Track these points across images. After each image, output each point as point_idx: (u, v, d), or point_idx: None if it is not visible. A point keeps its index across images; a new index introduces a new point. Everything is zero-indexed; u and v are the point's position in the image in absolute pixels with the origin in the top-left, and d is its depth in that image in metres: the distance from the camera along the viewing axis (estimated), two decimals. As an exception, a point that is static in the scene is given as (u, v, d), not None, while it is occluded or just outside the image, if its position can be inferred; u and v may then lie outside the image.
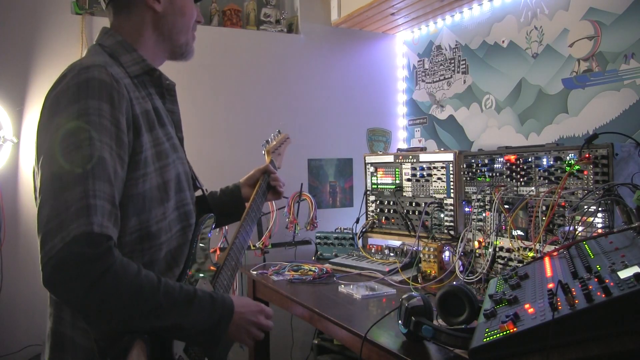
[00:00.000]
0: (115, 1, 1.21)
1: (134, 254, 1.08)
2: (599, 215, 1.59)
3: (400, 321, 1.31)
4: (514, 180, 1.90)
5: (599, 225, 1.59)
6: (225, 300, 1.12)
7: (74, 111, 0.99)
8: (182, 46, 1.27)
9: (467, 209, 2.11)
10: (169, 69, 1.36)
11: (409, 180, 2.44)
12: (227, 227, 2.45)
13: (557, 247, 1.44)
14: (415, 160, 2.41)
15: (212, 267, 1.29)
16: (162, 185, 1.13)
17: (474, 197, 2.04)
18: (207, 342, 1.08)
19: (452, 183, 2.23)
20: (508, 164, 1.93)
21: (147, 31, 1.21)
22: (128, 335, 1.00)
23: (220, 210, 1.51)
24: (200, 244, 1.27)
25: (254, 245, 2.63)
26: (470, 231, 2.00)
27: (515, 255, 1.81)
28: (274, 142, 1.90)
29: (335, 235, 2.58)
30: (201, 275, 1.25)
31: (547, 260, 1.33)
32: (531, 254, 1.72)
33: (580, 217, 1.63)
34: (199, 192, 1.42)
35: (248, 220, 1.51)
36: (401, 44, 3.32)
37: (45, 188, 0.96)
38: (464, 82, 2.81)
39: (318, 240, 2.61)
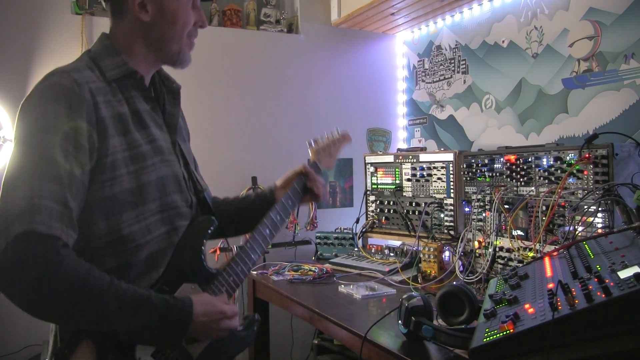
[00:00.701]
0: (110, 5, 1.21)
1: (107, 257, 1.09)
2: (599, 215, 1.59)
3: (400, 321, 1.31)
4: (514, 180, 1.90)
5: (599, 225, 1.59)
6: (183, 306, 1.08)
7: (32, 116, 1.04)
8: (174, 55, 1.24)
9: (467, 209, 2.11)
10: (168, 68, 1.36)
11: (409, 180, 2.44)
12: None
13: (557, 247, 1.44)
14: (415, 160, 2.41)
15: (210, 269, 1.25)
16: (137, 189, 1.12)
17: (474, 197, 2.04)
18: (163, 346, 1.09)
19: (452, 183, 2.23)
20: (508, 164, 1.93)
21: (137, 39, 1.20)
22: (76, 334, 1.02)
23: (251, 215, 1.44)
24: (192, 248, 1.22)
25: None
26: (470, 231, 2.00)
27: (515, 255, 1.81)
28: (325, 141, 1.72)
29: (335, 235, 2.59)
30: (193, 280, 1.21)
31: (547, 260, 1.33)
32: (531, 254, 1.72)
33: (580, 217, 1.63)
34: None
35: (267, 222, 1.38)
36: (401, 44, 3.31)
37: (1, 187, 1.00)
38: (464, 82, 2.81)
39: (318, 240, 2.61)
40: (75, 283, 0.96)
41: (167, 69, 1.33)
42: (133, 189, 1.11)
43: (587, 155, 1.65)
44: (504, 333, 1.02)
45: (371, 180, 2.65)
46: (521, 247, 1.78)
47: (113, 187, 1.09)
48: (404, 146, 3.28)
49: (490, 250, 1.89)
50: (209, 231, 1.26)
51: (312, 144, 1.69)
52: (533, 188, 1.83)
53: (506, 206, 1.89)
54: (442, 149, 2.85)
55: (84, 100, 1.06)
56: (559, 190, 1.68)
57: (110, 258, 1.10)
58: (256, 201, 1.53)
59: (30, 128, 1.03)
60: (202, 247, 1.23)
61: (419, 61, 3.17)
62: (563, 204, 1.72)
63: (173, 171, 1.22)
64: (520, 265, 1.63)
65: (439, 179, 2.29)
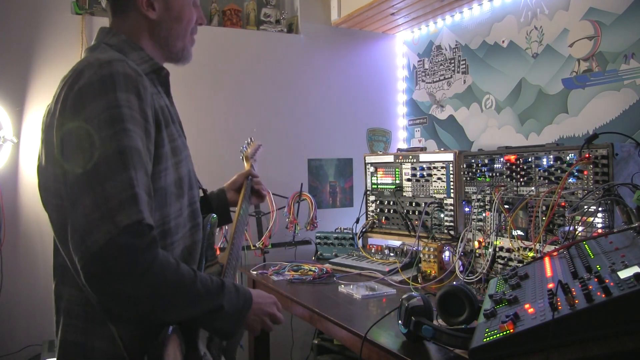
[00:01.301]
0: (113, 3, 1.20)
1: None
2: (599, 215, 1.59)
3: (400, 321, 1.31)
4: (514, 180, 1.90)
5: (599, 225, 1.59)
6: (245, 290, 1.16)
7: (104, 104, 0.97)
8: (179, 52, 1.26)
9: (467, 209, 2.11)
10: (169, 68, 1.36)
11: (409, 180, 2.44)
12: (227, 227, 2.45)
13: (557, 247, 1.44)
14: (415, 160, 2.41)
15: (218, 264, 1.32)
16: (178, 181, 1.12)
17: (474, 197, 2.04)
18: (230, 328, 1.11)
19: (452, 183, 2.23)
20: (508, 164, 1.93)
21: (143, 37, 1.20)
22: (163, 331, 1.01)
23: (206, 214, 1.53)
24: (209, 242, 1.28)
25: (254, 245, 2.63)
26: (470, 231, 2.00)
27: (515, 255, 1.81)
28: (251, 148, 1.96)
29: (335, 235, 2.59)
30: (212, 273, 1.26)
31: (547, 260, 1.33)
32: (531, 254, 1.72)
33: (580, 217, 1.63)
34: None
35: (241, 222, 1.55)
36: (401, 44, 3.31)
37: (79, 184, 0.93)
38: (464, 82, 2.81)
39: (318, 240, 2.61)
40: (173, 273, 0.98)
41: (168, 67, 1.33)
42: (176, 181, 1.12)
43: (587, 155, 1.65)
44: (504, 333, 1.02)
45: (371, 180, 2.65)
46: (521, 247, 1.78)
47: (166, 178, 1.08)
48: (404, 146, 3.28)
49: (490, 250, 1.89)
50: (216, 228, 1.34)
51: (243, 151, 1.95)
52: (533, 188, 1.83)
53: (506, 206, 1.89)
54: (442, 149, 2.85)
55: (147, 89, 1.04)
56: (559, 190, 1.68)
57: None
58: (210, 202, 1.63)
59: (103, 115, 0.96)
60: (214, 242, 1.32)
61: (419, 61, 3.17)
62: (563, 204, 1.72)
63: (192, 166, 1.25)
64: (520, 265, 1.63)
65: (439, 179, 2.29)
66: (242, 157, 1.94)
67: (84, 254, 0.89)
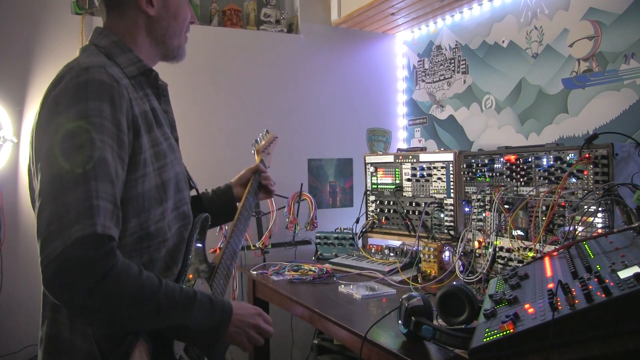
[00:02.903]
0: (108, 1, 1.20)
1: (133, 253, 1.08)
2: (599, 215, 1.59)
3: (400, 321, 1.31)
4: (514, 180, 1.90)
5: (599, 225, 1.59)
6: (224, 303, 1.12)
7: (74, 112, 0.98)
8: (175, 49, 1.27)
9: (467, 209, 2.11)
10: (169, 68, 1.36)
11: (409, 180, 2.44)
12: (226, 227, 2.45)
13: (557, 247, 1.44)
14: (415, 160, 2.41)
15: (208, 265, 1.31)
16: (161, 186, 1.13)
17: (474, 197, 2.04)
18: (205, 343, 1.09)
19: (452, 183, 2.23)
20: (508, 164, 1.93)
21: (140, 34, 1.20)
22: (130, 335, 1.00)
23: (212, 210, 1.51)
24: (198, 244, 1.27)
25: (254, 245, 2.63)
26: (470, 231, 2.00)
27: (515, 255, 1.81)
28: (263, 142, 1.89)
29: (335, 235, 2.58)
30: (199, 275, 1.26)
31: (547, 260, 1.33)
32: (531, 254, 1.72)
33: (580, 217, 1.63)
34: (193, 192, 1.42)
35: (241, 219, 1.51)
36: (401, 44, 3.31)
37: (45, 190, 0.95)
38: (464, 82, 2.81)
39: (318, 240, 2.61)
40: (132, 284, 0.96)
41: (161, 67, 1.33)
42: (158, 186, 1.12)
43: (587, 155, 1.65)
44: (504, 333, 1.02)
45: (371, 180, 2.65)
46: (521, 247, 1.78)
47: (144, 184, 1.09)
48: (404, 146, 3.28)
49: (490, 250, 1.89)
50: (207, 227, 1.32)
51: (255, 145, 1.87)
52: (533, 188, 1.83)
53: (506, 206, 1.89)
54: (442, 149, 2.85)
55: (124, 97, 1.04)
56: (559, 190, 1.68)
57: (136, 255, 1.09)
58: (214, 198, 1.62)
59: (73, 124, 0.97)
60: (204, 243, 1.30)
61: (419, 61, 3.17)
62: (563, 204, 1.72)
63: (182, 168, 1.24)
64: (520, 265, 1.63)
65: (439, 179, 2.29)
66: (254, 151, 1.87)
67: (42, 261, 0.90)
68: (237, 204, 1.61)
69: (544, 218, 1.73)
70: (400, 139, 3.32)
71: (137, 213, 1.08)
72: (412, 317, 1.25)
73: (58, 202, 0.93)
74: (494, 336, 1.03)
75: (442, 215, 2.26)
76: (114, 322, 0.98)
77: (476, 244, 1.96)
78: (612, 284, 0.98)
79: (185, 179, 1.26)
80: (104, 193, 0.95)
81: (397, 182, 2.50)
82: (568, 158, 1.73)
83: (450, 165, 2.23)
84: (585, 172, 1.67)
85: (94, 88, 1.01)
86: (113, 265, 0.93)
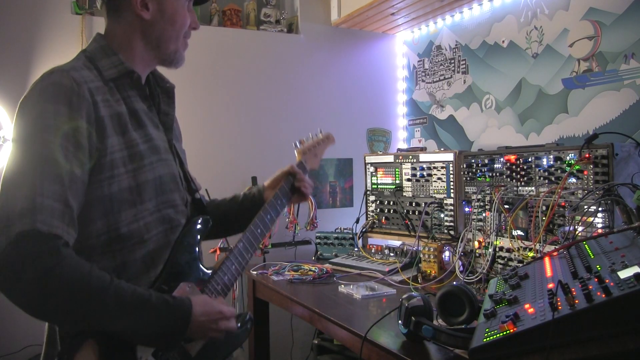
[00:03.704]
0: (108, 4, 1.21)
1: (104, 255, 1.09)
2: (599, 215, 1.59)
3: (400, 321, 1.31)
4: (514, 180, 1.90)
5: (599, 225, 1.59)
6: (183, 306, 1.09)
7: (32, 115, 1.03)
8: (171, 54, 1.26)
9: (467, 209, 2.11)
10: (165, 71, 1.35)
11: (409, 180, 2.44)
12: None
13: (557, 247, 1.44)
14: (415, 160, 2.41)
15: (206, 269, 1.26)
16: (135, 188, 1.13)
17: (474, 197, 2.04)
18: (162, 346, 1.09)
19: (452, 183, 2.23)
20: (508, 164, 1.93)
21: (135, 38, 1.21)
22: (78, 334, 1.01)
23: (241, 216, 1.47)
24: (192, 247, 1.24)
25: (254, 245, 2.62)
26: (470, 231, 2.00)
27: (515, 255, 1.81)
28: (310, 142, 1.75)
29: (335, 235, 2.58)
30: (188, 279, 1.21)
31: (547, 260, 1.33)
32: (531, 254, 1.72)
33: (580, 217, 1.63)
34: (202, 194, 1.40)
35: (258, 222, 1.40)
36: (401, 44, 3.31)
37: (0, 187, 0.99)
38: (464, 82, 2.81)
39: (318, 240, 2.61)
40: (77, 282, 0.96)
41: (163, 70, 1.33)
42: (131, 188, 1.12)
43: (587, 155, 1.65)
44: (504, 333, 1.02)
45: (371, 180, 2.65)
46: (521, 247, 1.78)
47: (112, 185, 1.09)
48: (404, 146, 3.28)
49: (490, 250, 1.89)
50: (205, 230, 1.29)
51: (298, 144, 1.73)
52: (533, 188, 1.83)
53: (506, 206, 1.89)
54: (442, 149, 2.85)
55: (84, 99, 1.06)
56: (559, 190, 1.68)
57: (107, 257, 1.10)
58: (244, 202, 1.55)
59: (29, 127, 1.03)
60: (198, 246, 1.26)
61: (419, 61, 3.17)
62: (563, 204, 1.72)
63: (170, 170, 1.23)
64: (520, 265, 1.63)
65: (439, 179, 2.29)
66: (296, 151, 1.73)
67: None
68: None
69: (544, 218, 1.73)
70: (400, 139, 3.32)
71: (105, 214, 1.09)
72: (412, 317, 1.25)
73: (6, 200, 0.97)
74: (494, 336, 1.02)
75: (442, 215, 2.26)
76: (60, 320, 1.01)
77: (476, 244, 1.96)
78: (612, 284, 0.98)
79: (175, 181, 1.24)
80: (49, 192, 0.97)
81: (397, 182, 2.50)
82: (568, 158, 1.73)
83: (450, 165, 2.23)
84: (585, 172, 1.67)
85: (51, 91, 1.04)
86: (56, 262, 0.94)
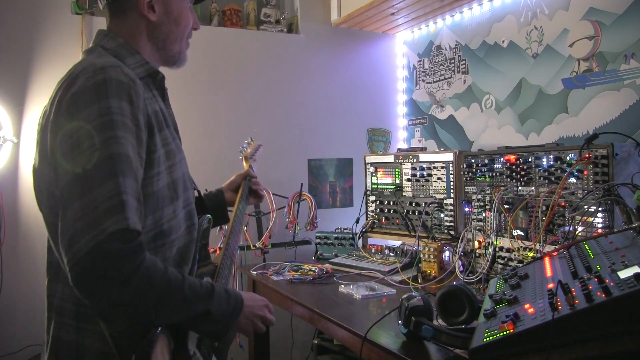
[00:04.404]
0: (112, 4, 1.20)
1: (151, 252, 1.08)
2: (599, 215, 1.59)
3: (400, 321, 1.31)
4: (514, 180, 1.90)
5: (599, 225, 1.59)
6: (237, 294, 1.18)
7: (95, 111, 0.98)
8: (175, 55, 1.27)
9: (467, 209, 2.11)
10: (168, 69, 1.35)
11: (409, 180, 2.44)
12: (226, 227, 2.45)
13: (557, 247, 1.44)
14: (415, 160, 2.41)
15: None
16: (172, 184, 1.14)
17: (474, 197, 2.04)
18: (219, 331, 1.13)
19: (452, 183, 2.23)
20: (508, 164, 1.93)
21: (142, 39, 1.21)
22: (153, 331, 1.01)
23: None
24: (202, 243, 1.29)
25: (254, 245, 2.63)
26: (470, 231, 2.00)
27: (515, 255, 1.81)
28: (249, 149, 1.99)
29: (335, 235, 2.58)
30: (205, 274, 1.28)
31: (547, 260, 1.33)
32: (531, 254, 1.72)
33: (580, 217, 1.63)
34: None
35: (237, 222, 1.58)
36: (401, 44, 3.31)
37: (69, 189, 0.95)
38: (464, 82, 2.81)
39: (318, 240, 2.61)
40: (160, 277, 0.98)
41: (163, 70, 1.33)
42: (169, 185, 1.13)
43: (587, 155, 1.65)
44: (504, 333, 1.02)
45: (371, 180, 2.65)
46: (521, 247, 1.78)
47: (159, 182, 1.10)
48: (404, 146, 3.28)
49: (490, 250, 1.89)
50: (209, 229, 1.35)
51: (244, 150, 1.98)
52: (533, 188, 1.83)
53: (506, 206, 1.89)
54: (442, 149, 2.85)
55: (140, 95, 1.05)
56: (559, 190, 1.68)
57: (152, 253, 1.08)
58: (209, 203, 1.65)
59: (96, 123, 0.98)
60: (208, 243, 1.33)
61: (419, 61, 3.16)
62: (563, 204, 1.72)
63: (187, 168, 1.26)
64: (520, 265, 1.63)
65: (439, 179, 2.29)
66: (242, 157, 1.96)
67: (71, 258, 0.90)
68: (228, 208, 1.67)
69: (544, 218, 1.73)
70: (400, 139, 3.32)
71: (153, 210, 1.09)
72: (412, 317, 1.25)
73: (84, 200, 0.93)
74: (494, 336, 1.03)
75: (442, 215, 2.26)
76: (142, 315, 0.99)
77: (476, 244, 1.96)
78: (612, 284, 0.98)
79: (190, 179, 1.28)
80: (130, 189, 0.96)
81: (397, 182, 2.50)
82: (568, 158, 1.73)
83: (450, 165, 2.23)
84: (585, 172, 1.67)
85: (113, 87, 1.01)
86: (143, 259, 0.95)
